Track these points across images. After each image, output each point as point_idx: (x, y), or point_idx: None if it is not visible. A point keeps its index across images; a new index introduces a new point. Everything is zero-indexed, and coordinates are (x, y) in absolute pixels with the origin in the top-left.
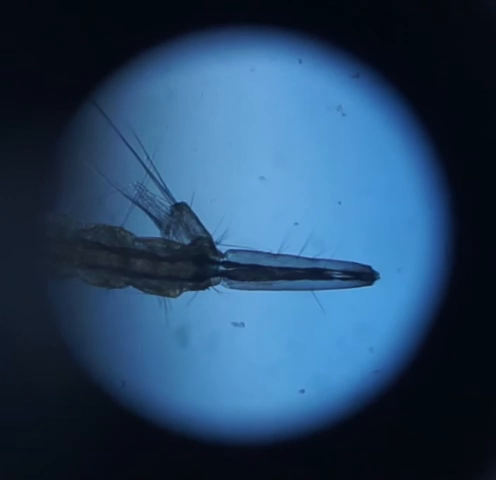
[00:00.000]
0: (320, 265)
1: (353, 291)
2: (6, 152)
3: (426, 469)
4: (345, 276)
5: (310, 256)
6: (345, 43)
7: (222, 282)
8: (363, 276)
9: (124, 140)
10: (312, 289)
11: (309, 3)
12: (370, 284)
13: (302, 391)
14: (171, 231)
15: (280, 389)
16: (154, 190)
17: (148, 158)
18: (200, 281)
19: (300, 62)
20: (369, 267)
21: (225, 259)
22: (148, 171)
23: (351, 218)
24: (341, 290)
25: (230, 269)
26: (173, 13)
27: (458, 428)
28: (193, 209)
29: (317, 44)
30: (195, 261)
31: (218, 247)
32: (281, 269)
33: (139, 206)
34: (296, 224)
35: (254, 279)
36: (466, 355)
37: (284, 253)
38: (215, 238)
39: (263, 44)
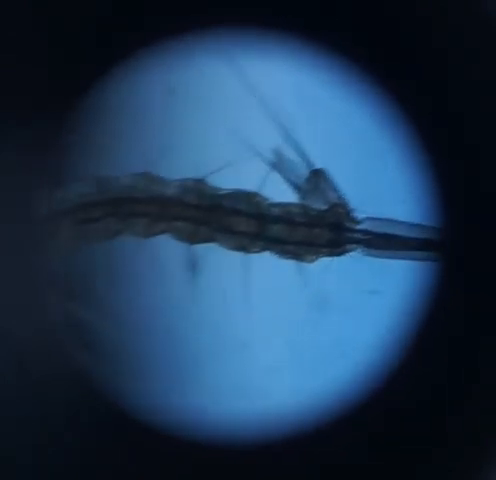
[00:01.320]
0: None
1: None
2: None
3: (426, 468)
4: None
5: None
6: (345, 44)
7: (358, 249)
8: None
9: (263, 104)
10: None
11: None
12: None
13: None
14: (308, 197)
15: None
16: (292, 155)
17: (287, 123)
18: (335, 248)
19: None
20: None
21: (361, 227)
22: (286, 136)
23: None
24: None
25: (366, 237)
26: (173, 13)
27: (458, 428)
28: (331, 175)
29: (314, 44)
30: (331, 228)
31: (355, 214)
32: (417, 239)
33: (276, 171)
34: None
35: (390, 248)
36: (465, 355)
37: (421, 223)
38: (352, 205)
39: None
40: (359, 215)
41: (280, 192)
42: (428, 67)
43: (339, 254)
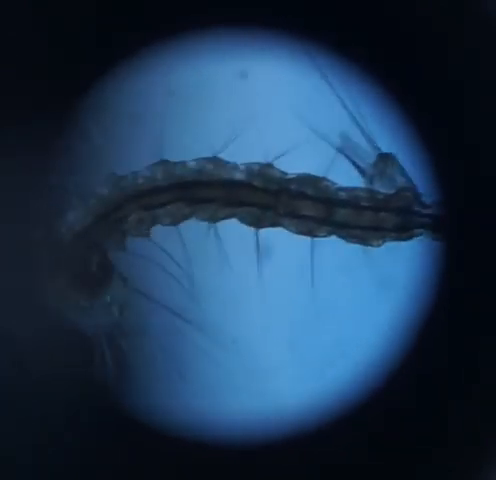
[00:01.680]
0: None
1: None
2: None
3: (426, 468)
4: None
5: None
6: (345, 44)
7: (425, 233)
8: None
9: (332, 87)
10: None
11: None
12: None
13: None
14: (375, 181)
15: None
16: (359, 140)
17: (354, 107)
18: (402, 232)
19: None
20: None
21: (429, 211)
22: (354, 119)
23: None
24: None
25: (434, 221)
26: (173, 13)
27: (458, 428)
28: (398, 160)
29: (314, 44)
30: (397, 212)
31: (424, 199)
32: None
33: (343, 155)
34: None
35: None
36: (465, 355)
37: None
38: (420, 189)
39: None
40: (428, 199)
41: (347, 176)
42: (428, 67)
43: (406, 238)
